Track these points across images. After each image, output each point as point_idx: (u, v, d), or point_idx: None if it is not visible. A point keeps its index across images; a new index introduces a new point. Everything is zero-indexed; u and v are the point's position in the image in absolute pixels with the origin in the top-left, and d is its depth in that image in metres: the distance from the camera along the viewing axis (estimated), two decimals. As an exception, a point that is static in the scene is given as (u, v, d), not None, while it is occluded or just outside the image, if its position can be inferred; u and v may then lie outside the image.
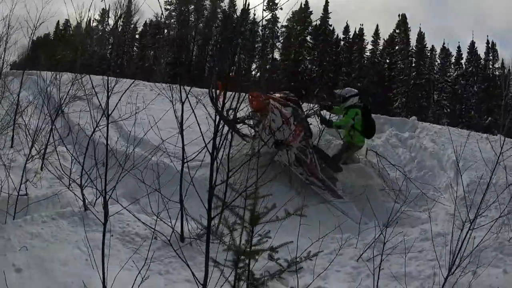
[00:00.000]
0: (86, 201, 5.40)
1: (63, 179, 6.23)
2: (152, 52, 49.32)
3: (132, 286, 3.25)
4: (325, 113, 7.94)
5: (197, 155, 4.73)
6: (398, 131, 9.91)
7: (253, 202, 3.12)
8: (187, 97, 4.12)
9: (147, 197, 4.77)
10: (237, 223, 3.29)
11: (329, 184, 6.91)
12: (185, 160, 4.80)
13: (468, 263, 4.16)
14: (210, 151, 3.27)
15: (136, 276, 3.36)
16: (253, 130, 7.61)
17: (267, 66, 47.58)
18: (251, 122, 7.77)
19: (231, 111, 5.31)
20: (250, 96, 7.54)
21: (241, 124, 7.63)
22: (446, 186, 7.46)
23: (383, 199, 7.01)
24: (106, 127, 3.60)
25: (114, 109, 4.30)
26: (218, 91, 6.49)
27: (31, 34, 8.58)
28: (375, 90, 37.73)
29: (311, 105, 8.01)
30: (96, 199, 5.41)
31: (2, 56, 7.76)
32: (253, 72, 50.22)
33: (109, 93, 3.92)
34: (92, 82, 5.44)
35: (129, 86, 4.41)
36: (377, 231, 5.03)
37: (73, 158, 6.07)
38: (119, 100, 4.39)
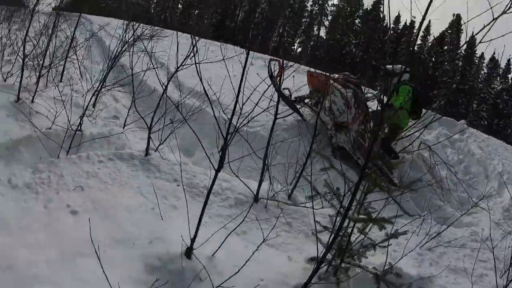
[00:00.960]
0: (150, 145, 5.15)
1: (119, 120, 6.18)
2: (196, 11, 48.93)
3: (218, 248, 3.07)
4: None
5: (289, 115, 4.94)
6: (448, 131, 9.71)
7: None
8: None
9: (210, 151, 4.23)
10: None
11: (386, 171, 6.71)
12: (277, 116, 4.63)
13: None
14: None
15: (212, 234, 3.19)
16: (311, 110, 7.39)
17: (311, 43, 46.89)
18: (310, 101, 7.54)
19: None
20: (309, 75, 7.44)
21: (300, 103, 7.42)
22: (490, 195, 7.36)
23: (430, 195, 6.83)
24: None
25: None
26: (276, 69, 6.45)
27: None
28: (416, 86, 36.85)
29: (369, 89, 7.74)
30: (159, 145, 5.18)
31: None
32: (295, 47, 49.68)
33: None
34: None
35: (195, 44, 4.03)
36: (433, 224, 5.27)
37: (132, 100, 5.88)
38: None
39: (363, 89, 7.18)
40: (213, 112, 3.21)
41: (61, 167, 4.42)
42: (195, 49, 3.91)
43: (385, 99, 7.02)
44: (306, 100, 7.54)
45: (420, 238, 4.92)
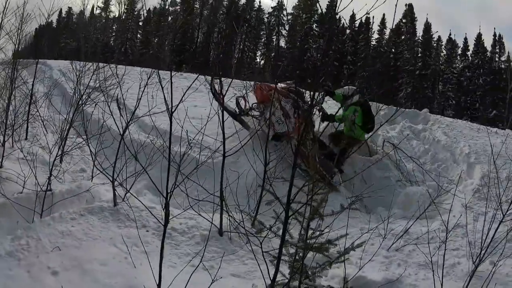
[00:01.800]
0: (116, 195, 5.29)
1: (86, 173, 6.28)
2: (156, 39, 49.10)
3: (186, 286, 3.19)
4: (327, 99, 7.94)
5: (239, 149, 4.90)
6: (412, 123, 9.96)
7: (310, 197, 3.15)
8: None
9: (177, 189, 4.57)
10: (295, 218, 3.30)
11: (326, 176, 6.88)
12: (226, 154, 4.79)
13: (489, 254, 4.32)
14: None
15: (178, 273, 3.33)
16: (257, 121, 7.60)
17: (272, 54, 47.40)
18: (256, 113, 7.83)
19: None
20: (257, 87, 7.78)
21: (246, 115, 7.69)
22: (460, 179, 7.55)
23: (400, 191, 7.08)
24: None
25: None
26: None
27: (45, 22, 8.59)
28: (380, 80, 37.49)
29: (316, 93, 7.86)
30: (125, 194, 5.33)
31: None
32: (258, 60, 50.18)
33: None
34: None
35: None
36: (403, 222, 5.38)
37: (92, 151, 6.00)
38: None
39: (304, 98, 7.34)
40: (169, 159, 3.36)
41: (37, 230, 4.53)
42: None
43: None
44: (252, 112, 7.80)
45: (388, 240, 5.04)
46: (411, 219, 5.41)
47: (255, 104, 7.81)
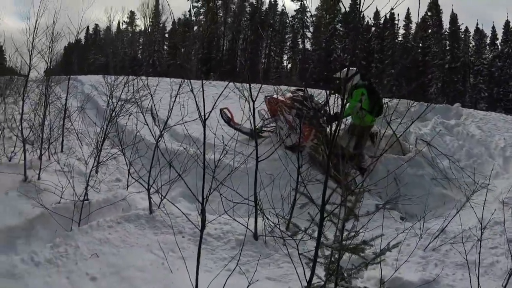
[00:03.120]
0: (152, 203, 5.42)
1: (121, 182, 6.45)
2: (182, 49, 49.86)
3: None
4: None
5: (270, 154, 4.88)
6: (444, 119, 9.76)
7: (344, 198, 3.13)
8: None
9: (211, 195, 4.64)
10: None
11: (339, 178, 6.79)
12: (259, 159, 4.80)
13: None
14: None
15: (215, 277, 3.38)
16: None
17: (299, 57, 47.36)
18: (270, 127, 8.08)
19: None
20: (266, 101, 7.86)
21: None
22: (497, 174, 7.35)
23: (435, 189, 6.93)
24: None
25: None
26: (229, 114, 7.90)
27: (74, 40, 8.93)
28: (409, 76, 36.83)
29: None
30: (160, 201, 5.44)
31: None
32: (284, 64, 50.25)
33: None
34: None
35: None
36: (439, 221, 5.26)
37: (127, 161, 6.16)
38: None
39: (311, 103, 7.28)
40: (203, 166, 3.43)
41: (75, 238, 4.68)
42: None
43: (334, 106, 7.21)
44: (265, 128, 8.05)
45: (424, 240, 4.94)
46: (447, 218, 5.28)
47: (269, 119, 7.98)
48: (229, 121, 8.16)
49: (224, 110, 8.22)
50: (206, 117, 3.50)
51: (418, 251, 4.79)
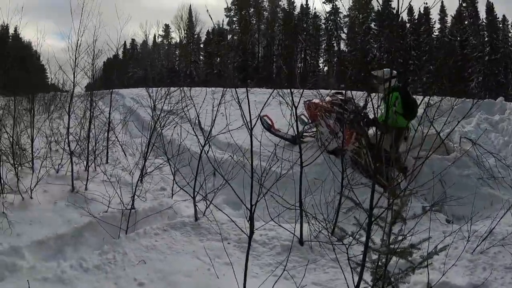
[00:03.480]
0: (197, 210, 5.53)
1: (166, 191, 6.60)
2: (218, 59, 50.55)
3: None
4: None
5: (315, 159, 4.88)
6: (488, 115, 9.42)
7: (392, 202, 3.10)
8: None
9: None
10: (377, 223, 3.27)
11: (384, 183, 6.66)
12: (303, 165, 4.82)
13: None
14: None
15: (262, 283, 3.42)
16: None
17: (335, 59, 47.01)
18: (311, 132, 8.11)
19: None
20: (306, 106, 7.91)
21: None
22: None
23: (483, 189, 6.66)
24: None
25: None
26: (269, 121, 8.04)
27: (113, 55, 9.27)
28: (449, 72, 35.68)
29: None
30: (206, 208, 5.55)
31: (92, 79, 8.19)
32: (321, 67, 50.02)
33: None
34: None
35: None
36: (487, 222, 5.01)
37: (173, 169, 6.32)
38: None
39: (351, 105, 7.13)
40: (251, 173, 3.48)
41: (123, 246, 4.82)
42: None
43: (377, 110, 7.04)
44: (306, 134, 8.06)
45: (472, 243, 4.75)
46: (495, 219, 5.03)
47: (309, 124, 8.01)
48: (269, 128, 8.23)
49: (264, 117, 8.30)
50: (253, 125, 3.54)
51: (466, 254, 4.61)
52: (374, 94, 7.01)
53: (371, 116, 7.16)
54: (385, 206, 3.08)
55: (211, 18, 4.53)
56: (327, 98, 7.65)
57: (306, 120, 8.05)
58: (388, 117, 6.35)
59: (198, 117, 5.61)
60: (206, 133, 5.58)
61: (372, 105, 6.60)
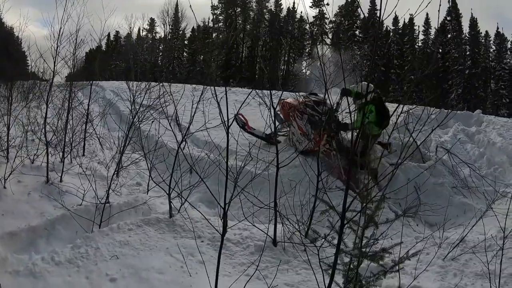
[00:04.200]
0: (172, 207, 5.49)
1: (142, 186, 6.54)
2: (202, 56, 50.28)
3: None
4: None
5: (291, 161, 4.95)
6: (464, 126, 9.66)
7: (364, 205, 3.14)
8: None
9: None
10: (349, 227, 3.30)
11: (352, 185, 6.77)
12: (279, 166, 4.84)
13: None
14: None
15: (234, 282, 3.42)
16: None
17: (318, 63, 47.27)
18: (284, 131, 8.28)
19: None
20: (281, 105, 8.00)
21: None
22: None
23: (456, 197, 6.84)
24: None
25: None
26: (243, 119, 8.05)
27: (95, 46, 9.14)
28: (430, 82, 36.35)
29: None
30: (181, 206, 5.51)
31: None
32: (304, 70, 50.22)
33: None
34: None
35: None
36: (459, 230, 5.14)
37: (150, 165, 6.26)
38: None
39: (323, 105, 7.24)
40: (226, 172, 3.49)
41: (96, 240, 4.77)
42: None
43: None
44: (280, 133, 8.21)
45: (444, 249, 4.86)
46: (467, 227, 5.18)
47: (283, 123, 8.17)
48: (243, 125, 8.28)
49: (239, 115, 8.34)
50: (230, 124, 3.54)
51: (437, 261, 4.72)
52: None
53: (343, 120, 7.41)
54: (358, 210, 3.12)
55: (195, 16, 4.52)
56: (301, 99, 7.76)
57: (282, 118, 8.15)
58: (362, 126, 6.49)
59: (176, 113, 5.57)
60: (184, 129, 5.55)
61: (343, 109, 7.02)
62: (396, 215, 3.51)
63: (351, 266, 3.31)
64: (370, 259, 3.28)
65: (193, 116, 5.54)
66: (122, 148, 6.82)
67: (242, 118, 8.37)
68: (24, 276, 4.12)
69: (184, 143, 5.55)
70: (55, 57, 6.69)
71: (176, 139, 5.61)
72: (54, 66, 6.73)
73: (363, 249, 3.23)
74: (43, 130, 6.80)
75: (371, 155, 7.09)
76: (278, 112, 8.06)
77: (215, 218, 4.90)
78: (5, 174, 5.94)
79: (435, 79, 36.86)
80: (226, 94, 3.42)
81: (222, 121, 3.58)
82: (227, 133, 3.48)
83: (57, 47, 6.69)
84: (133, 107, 7.06)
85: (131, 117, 7.03)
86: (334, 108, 7.25)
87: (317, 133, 6.98)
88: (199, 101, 5.37)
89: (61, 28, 6.68)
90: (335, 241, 3.08)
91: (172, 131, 5.72)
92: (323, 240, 3.43)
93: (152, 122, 7.08)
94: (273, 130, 5.13)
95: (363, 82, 7.24)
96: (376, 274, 3.44)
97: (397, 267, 3.42)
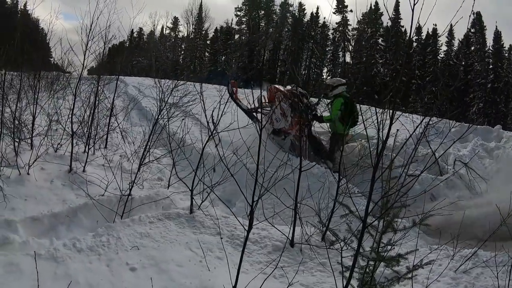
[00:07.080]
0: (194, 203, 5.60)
1: (163, 182, 6.68)
2: (223, 57, 50.62)
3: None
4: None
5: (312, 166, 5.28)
6: (484, 141, 9.57)
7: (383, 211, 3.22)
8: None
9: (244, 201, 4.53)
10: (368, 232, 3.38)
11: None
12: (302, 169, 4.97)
13: None
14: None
15: (252, 279, 3.51)
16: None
17: (339, 70, 47.20)
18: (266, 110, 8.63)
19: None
20: (269, 89, 8.68)
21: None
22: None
23: (471, 211, 6.75)
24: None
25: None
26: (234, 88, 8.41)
27: (118, 42, 9.32)
28: (451, 95, 35.93)
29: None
30: (201, 202, 5.64)
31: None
32: (324, 76, 50.18)
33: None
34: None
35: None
36: (473, 243, 5.11)
37: (174, 161, 6.42)
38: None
39: (305, 101, 7.91)
40: (256, 171, 3.59)
41: (117, 230, 4.91)
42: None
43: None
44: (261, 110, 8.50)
45: (456, 262, 4.85)
46: (481, 241, 5.15)
47: (266, 103, 8.67)
48: (232, 94, 8.39)
49: (231, 82, 8.70)
50: (262, 127, 3.64)
51: (449, 272, 4.73)
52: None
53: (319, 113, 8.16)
54: (377, 216, 3.20)
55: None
56: (288, 87, 8.34)
57: (263, 100, 8.62)
58: (331, 118, 7.70)
59: (205, 111, 5.69)
60: (213, 128, 5.65)
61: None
62: (413, 222, 3.57)
63: (367, 270, 3.38)
64: (387, 263, 3.35)
65: (221, 115, 5.60)
66: (147, 143, 6.95)
67: (233, 87, 8.65)
68: (45, 259, 4.25)
69: (216, 140, 5.67)
70: (85, 51, 6.88)
71: (208, 133, 5.71)
72: (84, 59, 6.93)
73: (381, 254, 3.31)
74: (68, 121, 6.99)
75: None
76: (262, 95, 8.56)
77: (233, 216, 5.00)
78: (29, 161, 6.11)
79: (456, 92, 36.42)
80: (261, 98, 3.51)
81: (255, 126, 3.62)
82: (260, 135, 3.56)
83: (87, 41, 6.89)
84: (161, 104, 7.18)
85: (156, 114, 7.16)
86: (316, 102, 8.28)
87: (296, 118, 7.56)
88: (227, 101, 5.50)
89: (92, 23, 6.88)
90: (353, 245, 3.16)
91: (207, 127, 5.81)
92: (342, 243, 3.51)
93: (183, 119, 7.22)
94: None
95: (335, 78, 8.23)
96: (390, 280, 3.51)
97: (410, 274, 3.48)
